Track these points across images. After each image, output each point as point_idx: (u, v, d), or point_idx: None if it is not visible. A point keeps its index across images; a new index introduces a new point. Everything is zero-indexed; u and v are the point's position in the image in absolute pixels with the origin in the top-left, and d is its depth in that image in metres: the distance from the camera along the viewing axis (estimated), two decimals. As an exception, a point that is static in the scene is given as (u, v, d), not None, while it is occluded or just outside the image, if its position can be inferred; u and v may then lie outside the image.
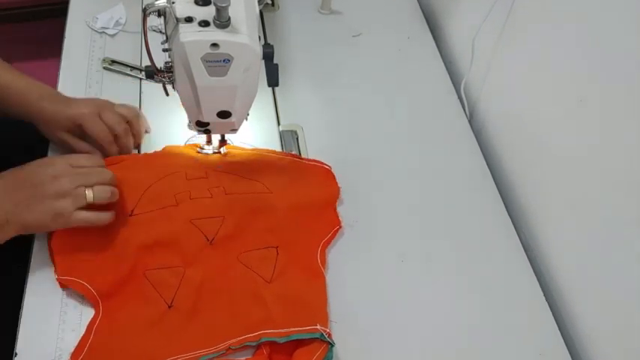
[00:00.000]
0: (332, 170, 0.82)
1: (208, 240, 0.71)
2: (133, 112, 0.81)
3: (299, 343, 0.65)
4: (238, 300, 0.68)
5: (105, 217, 0.69)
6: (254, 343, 0.64)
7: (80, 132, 0.77)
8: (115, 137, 0.78)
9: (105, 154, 0.77)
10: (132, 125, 0.80)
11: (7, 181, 0.65)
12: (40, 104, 0.76)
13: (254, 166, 0.80)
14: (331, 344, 0.64)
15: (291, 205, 0.75)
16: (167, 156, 0.81)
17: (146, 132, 0.84)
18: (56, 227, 0.67)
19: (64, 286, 0.67)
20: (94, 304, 0.66)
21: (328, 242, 0.75)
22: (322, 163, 0.82)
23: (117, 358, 0.63)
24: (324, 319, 0.67)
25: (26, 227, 0.65)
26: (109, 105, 0.79)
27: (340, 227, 0.77)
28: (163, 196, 0.74)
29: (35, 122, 0.78)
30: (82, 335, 0.64)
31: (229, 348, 0.64)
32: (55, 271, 0.68)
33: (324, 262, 0.73)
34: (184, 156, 0.81)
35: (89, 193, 0.67)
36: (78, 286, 0.67)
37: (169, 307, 0.67)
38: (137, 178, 0.75)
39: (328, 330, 0.65)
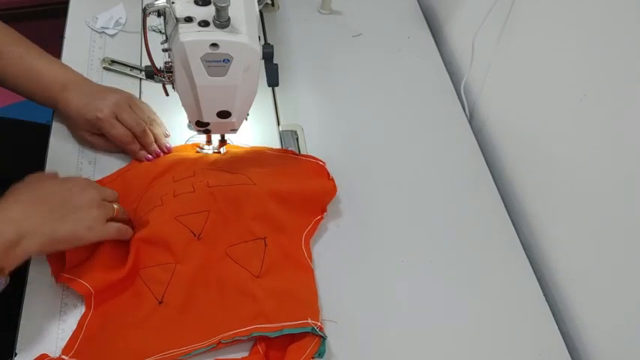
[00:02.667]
0: (326, 166, 0.81)
1: (195, 235, 0.71)
2: (151, 117, 0.81)
3: (293, 338, 0.65)
4: (228, 295, 0.68)
5: (130, 231, 0.70)
6: (245, 338, 0.64)
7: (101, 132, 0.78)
8: (136, 136, 0.78)
9: (128, 153, 0.79)
10: (150, 128, 0.80)
11: (33, 197, 0.63)
12: (64, 95, 0.76)
13: (239, 160, 0.80)
14: (323, 337, 0.65)
15: (275, 196, 0.75)
16: (159, 164, 0.81)
17: (166, 136, 0.84)
18: (88, 239, 0.65)
19: (60, 281, 0.67)
20: (86, 300, 0.67)
21: (311, 233, 0.75)
22: (317, 159, 0.82)
23: (107, 353, 0.63)
24: (315, 313, 0.67)
25: (56, 240, 0.62)
26: (127, 104, 0.78)
27: (322, 218, 0.77)
28: (151, 200, 0.74)
29: (60, 115, 0.78)
30: (73, 330, 0.65)
31: (220, 342, 0.64)
32: (51, 269, 0.68)
33: (309, 254, 0.73)
34: (176, 160, 0.81)
35: (116, 206, 0.68)
36: (72, 283, 0.66)
37: (160, 302, 0.67)
38: (132, 192, 0.77)
39: (319, 323, 0.65)
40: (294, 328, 0.64)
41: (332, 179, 0.80)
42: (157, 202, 0.73)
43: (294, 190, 0.76)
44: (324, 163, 0.81)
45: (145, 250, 0.70)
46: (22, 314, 0.66)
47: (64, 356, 0.63)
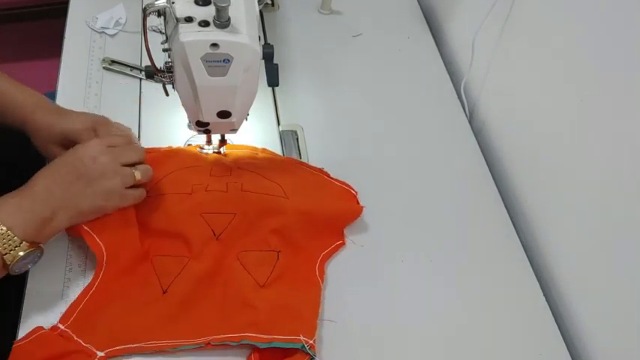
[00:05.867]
0: (357, 196, 0.80)
1: (215, 235, 0.72)
2: (127, 137, 0.77)
3: (286, 353, 0.64)
4: (229, 298, 0.68)
5: (144, 193, 0.72)
6: (234, 344, 0.64)
7: (72, 146, 0.75)
8: None
9: None
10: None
11: (53, 173, 0.66)
12: (35, 115, 0.75)
13: (277, 168, 0.80)
14: (312, 357, 0.64)
15: (303, 213, 0.74)
16: (196, 153, 0.82)
17: None
18: (111, 208, 0.68)
19: (77, 234, 0.69)
20: (97, 271, 0.67)
21: (328, 255, 0.75)
22: (350, 186, 0.81)
23: (101, 329, 0.64)
24: (311, 331, 0.66)
25: (81, 213, 0.66)
26: (104, 121, 0.77)
27: (343, 243, 0.76)
28: (182, 183, 0.75)
29: (28, 133, 0.76)
30: (74, 300, 0.66)
31: (209, 343, 0.64)
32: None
33: (322, 274, 0.72)
34: (213, 155, 0.82)
35: (136, 173, 0.69)
36: (87, 236, 0.68)
37: (164, 292, 0.67)
38: (163, 163, 0.77)
39: (311, 342, 0.64)
40: (285, 342, 0.64)
41: (360, 208, 0.79)
42: (186, 189, 0.74)
43: (323, 209, 0.76)
44: (356, 192, 0.81)
45: (164, 238, 0.71)
46: (22, 314, 0.66)
47: (59, 325, 0.64)
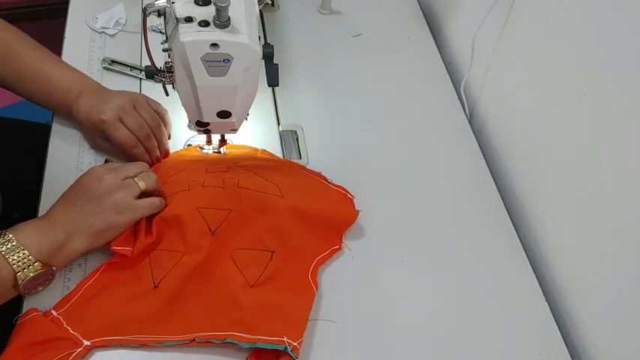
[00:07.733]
0: (354, 200, 0.80)
1: (211, 230, 0.71)
2: (156, 120, 0.80)
3: (279, 354, 0.64)
4: (218, 296, 0.68)
5: (163, 202, 0.73)
6: (218, 342, 0.64)
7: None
8: (139, 140, 0.78)
9: (131, 157, 0.78)
10: (154, 132, 0.79)
11: (66, 200, 0.68)
12: (78, 104, 0.78)
13: (276, 170, 0.80)
14: (294, 359, 0.63)
15: (299, 214, 0.74)
16: (191, 156, 0.83)
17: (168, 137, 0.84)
18: (127, 222, 0.69)
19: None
20: (100, 265, 0.69)
21: (323, 260, 0.74)
22: (347, 190, 0.81)
23: (91, 319, 0.65)
24: (296, 333, 0.65)
25: (96, 233, 0.67)
26: (131, 107, 0.78)
27: (340, 249, 0.76)
28: (179, 182, 0.75)
29: (74, 121, 0.79)
30: (70, 291, 0.67)
31: (194, 340, 0.64)
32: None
33: (315, 278, 0.72)
34: (209, 155, 0.83)
35: (140, 182, 0.70)
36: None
37: (155, 287, 0.68)
38: (162, 170, 0.78)
39: (295, 344, 0.64)
40: (268, 343, 0.63)
41: (356, 212, 0.78)
42: (183, 187, 0.74)
43: (319, 212, 0.76)
44: (352, 196, 0.81)
45: (163, 232, 0.71)
46: (25, 298, 0.66)
47: (53, 311, 0.65)
